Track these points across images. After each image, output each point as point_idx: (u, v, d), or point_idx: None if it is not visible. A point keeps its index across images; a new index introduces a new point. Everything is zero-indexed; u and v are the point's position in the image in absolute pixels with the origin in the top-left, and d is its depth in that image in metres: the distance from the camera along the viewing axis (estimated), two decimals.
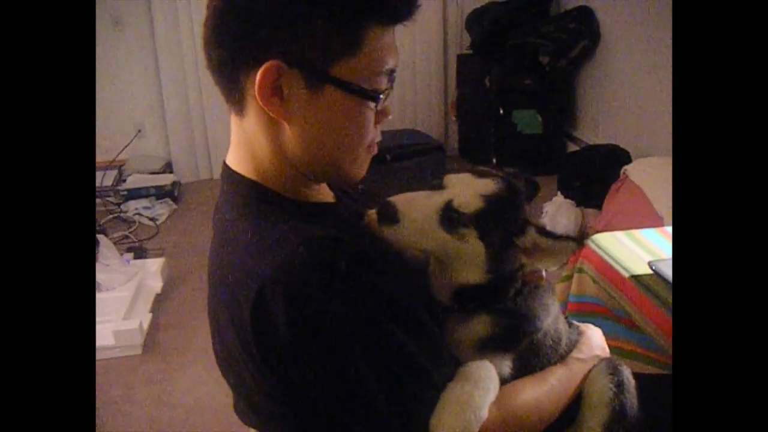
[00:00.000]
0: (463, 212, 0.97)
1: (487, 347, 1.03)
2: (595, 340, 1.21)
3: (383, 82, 0.95)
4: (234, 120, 1.01)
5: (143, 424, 2.56)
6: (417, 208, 0.98)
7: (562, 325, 1.16)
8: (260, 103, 0.92)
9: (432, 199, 0.99)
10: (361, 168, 1.02)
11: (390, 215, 0.96)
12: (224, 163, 1.06)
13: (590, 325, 1.25)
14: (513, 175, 1.08)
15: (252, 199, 1.00)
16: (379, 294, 0.91)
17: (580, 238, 0.99)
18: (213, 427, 2.52)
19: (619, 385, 1.12)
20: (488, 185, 1.00)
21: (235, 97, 0.96)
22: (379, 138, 1.03)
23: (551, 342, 1.11)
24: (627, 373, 1.15)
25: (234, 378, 1.06)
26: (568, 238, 1.01)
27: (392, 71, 0.96)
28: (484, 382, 0.95)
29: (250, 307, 0.89)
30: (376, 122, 1.00)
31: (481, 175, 1.03)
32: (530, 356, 1.08)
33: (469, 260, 1.00)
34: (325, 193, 1.10)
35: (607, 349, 1.22)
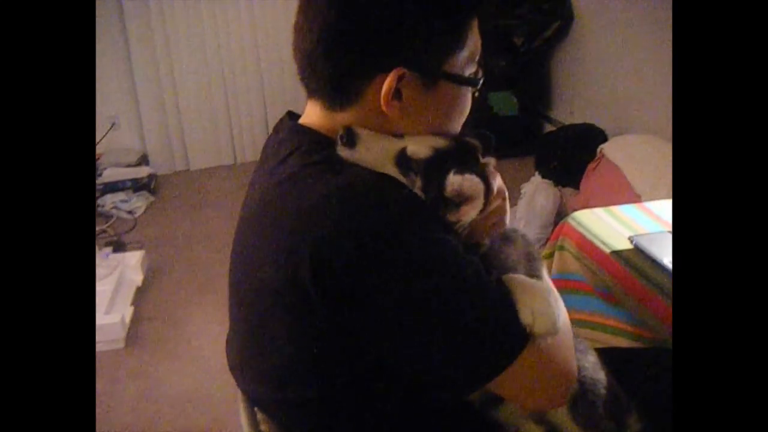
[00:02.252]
0: (413, 158, 0.99)
1: None
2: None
3: (476, 67, 1.03)
4: (319, 108, 1.04)
5: (128, 417, 2.55)
6: (376, 142, 1.00)
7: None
8: (383, 107, 0.97)
9: (391, 141, 1.01)
10: None
11: (349, 137, 0.98)
12: (288, 119, 1.09)
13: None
14: (474, 133, 1.10)
15: (320, 144, 1.01)
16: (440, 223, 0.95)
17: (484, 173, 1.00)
18: (199, 418, 2.51)
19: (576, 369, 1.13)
20: (441, 141, 1.02)
21: (343, 100, 1.01)
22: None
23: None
24: (582, 352, 1.14)
25: (258, 351, 1.04)
26: (478, 172, 0.99)
27: (480, 57, 1.04)
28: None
29: (311, 226, 0.89)
30: None
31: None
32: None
33: None
34: None
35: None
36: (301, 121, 1.08)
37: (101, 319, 2.94)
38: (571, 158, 3.81)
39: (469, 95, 1.05)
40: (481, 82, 1.04)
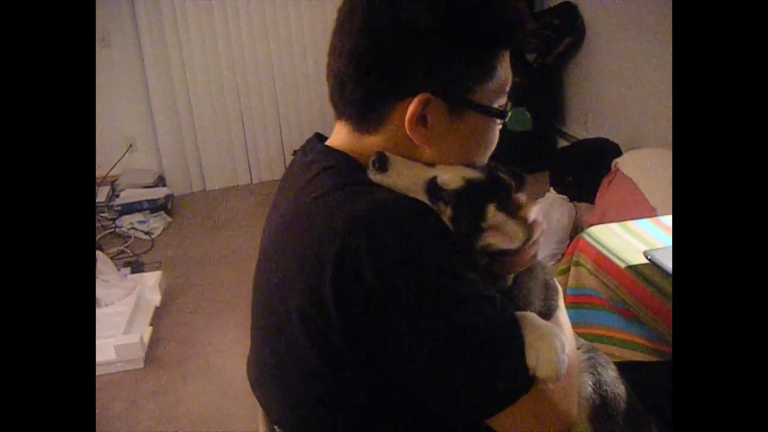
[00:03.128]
0: (444, 188, 0.99)
1: None
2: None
3: (504, 99, 1.05)
4: (346, 130, 1.06)
5: None
6: (407, 167, 1.01)
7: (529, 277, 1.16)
8: (407, 131, 0.98)
9: (422, 169, 1.02)
10: None
11: (381, 162, 0.99)
12: (317, 141, 1.10)
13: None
14: (505, 169, 1.10)
15: (349, 168, 1.03)
16: (463, 254, 0.94)
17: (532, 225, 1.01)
18: None
19: (597, 381, 1.14)
20: (473, 173, 1.02)
21: (371, 122, 1.02)
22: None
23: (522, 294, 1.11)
24: (605, 368, 1.16)
25: (267, 352, 1.06)
26: (523, 220, 1.00)
27: (509, 91, 1.05)
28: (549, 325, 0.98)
29: (335, 249, 0.89)
30: None
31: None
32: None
33: None
34: None
35: (571, 341, 1.19)
36: (329, 143, 1.09)
37: (120, 339, 2.97)
38: (586, 173, 3.80)
39: (497, 127, 1.06)
40: (508, 114, 1.05)
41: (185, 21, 4.67)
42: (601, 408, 1.10)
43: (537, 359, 0.92)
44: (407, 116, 0.97)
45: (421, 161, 1.02)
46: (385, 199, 0.94)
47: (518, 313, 0.97)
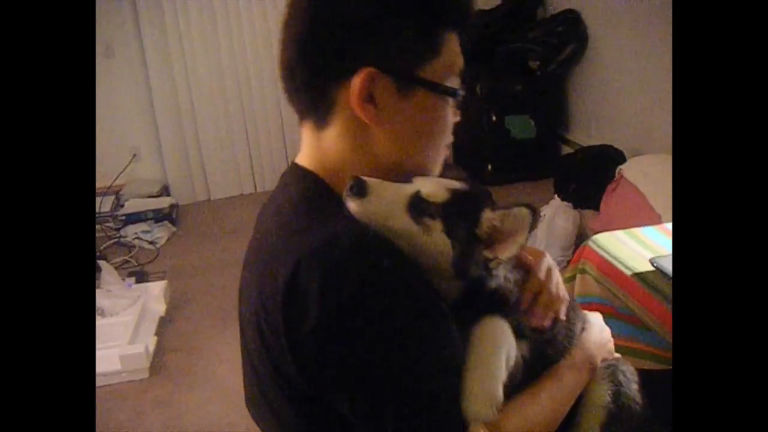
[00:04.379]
0: (430, 201, 0.97)
1: None
2: (592, 337, 1.18)
3: (457, 81, 1.02)
4: (309, 131, 1.05)
5: None
6: (386, 189, 0.97)
7: (573, 313, 1.16)
8: (356, 110, 0.97)
9: (402, 187, 0.99)
10: (438, 167, 1.07)
11: (359, 188, 0.95)
12: (293, 162, 1.10)
13: (590, 315, 1.24)
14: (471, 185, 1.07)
15: (313, 192, 1.03)
16: (413, 294, 0.92)
17: (532, 205, 0.97)
18: None
19: (617, 392, 1.13)
20: (455, 183, 1.01)
21: (322, 110, 1.01)
22: (452, 140, 1.08)
23: (566, 332, 1.11)
24: (627, 377, 1.16)
25: (252, 372, 1.07)
26: (519, 204, 0.97)
27: (462, 72, 1.03)
28: (496, 342, 0.97)
29: (285, 281, 0.90)
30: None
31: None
32: (546, 346, 1.08)
33: (435, 257, 0.97)
34: None
35: (606, 339, 1.21)
36: (299, 158, 1.08)
37: (125, 349, 2.97)
38: (590, 180, 3.80)
39: (450, 111, 1.03)
40: (461, 94, 1.02)
41: (189, 31, 4.69)
42: (615, 419, 1.10)
43: (469, 397, 0.91)
44: (353, 92, 0.95)
45: (376, 151, 1.01)
46: (337, 234, 0.91)
47: (476, 334, 0.97)
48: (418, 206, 0.96)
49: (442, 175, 1.07)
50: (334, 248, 0.89)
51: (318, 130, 1.03)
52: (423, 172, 1.03)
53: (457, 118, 1.06)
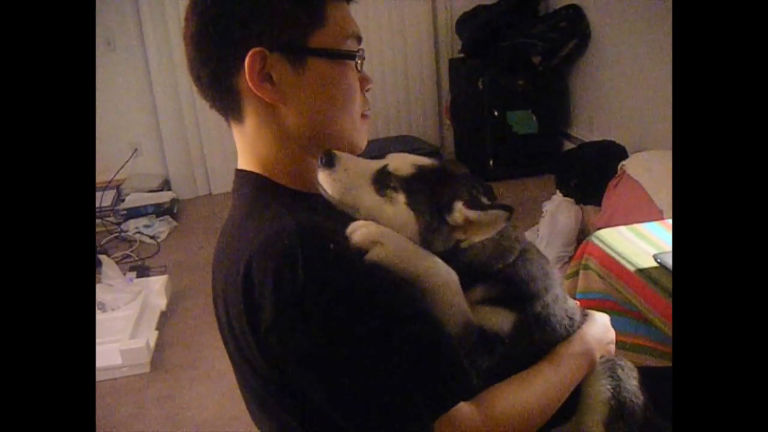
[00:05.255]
0: (395, 175, 1.01)
1: (486, 303, 1.04)
2: (593, 331, 1.17)
3: (354, 45, 1.05)
4: (236, 131, 1.09)
5: None
6: (355, 163, 1.03)
7: (571, 305, 1.15)
8: (254, 91, 1.00)
9: (371, 163, 1.04)
10: (361, 136, 1.10)
11: (328, 159, 1.01)
12: (235, 169, 1.13)
13: (597, 313, 1.23)
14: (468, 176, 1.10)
15: (255, 189, 1.07)
16: (365, 280, 0.92)
17: (509, 206, 0.98)
18: None
19: (617, 386, 1.13)
20: (424, 160, 1.05)
21: (233, 104, 1.04)
22: (369, 108, 1.12)
23: (557, 319, 1.09)
24: (627, 374, 1.15)
25: (236, 371, 1.09)
26: (496, 206, 0.99)
27: (359, 37, 1.06)
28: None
29: (240, 280, 0.92)
30: (362, 89, 1.09)
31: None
32: (534, 329, 1.06)
33: (398, 229, 0.99)
34: None
35: (608, 339, 1.20)
36: (238, 164, 1.12)
37: (126, 344, 2.96)
38: (592, 175, 3.79)
39: (351, 74, 1.05)
40: (355, 55, 1.04)
41: None
42: (617, 415, 1.10)
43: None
44: (247, 74, 0.99)
45: (288, 131, 1.04)
46: (282, 227, 0.93)
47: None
48: (382, 179, 1.01)
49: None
50: (280, 241, 0.91)
51: (240, 125, 1.07)
52: (339, 142, 1.06)
53: (369, 85, 1.10)
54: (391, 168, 1.01)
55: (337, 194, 1.01)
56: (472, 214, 0.98)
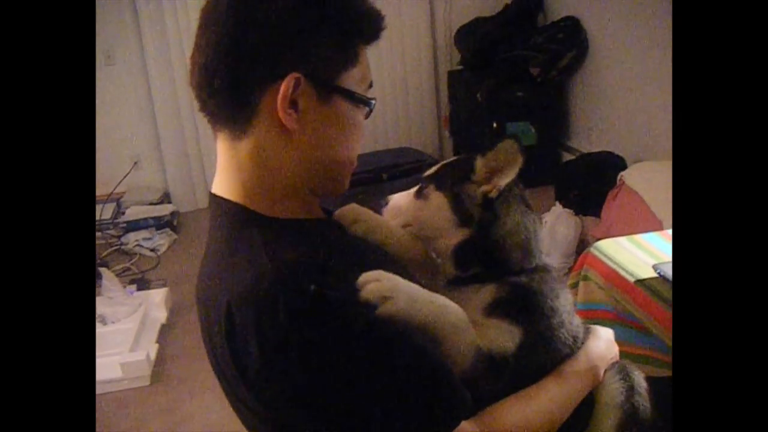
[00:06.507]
0: (423, 177, 1.14)
1: (494, 312, 1.05)
2: (597, 347, 1.17)
3: (367, 91, 1.07)
4: (226, 144, 1.07)
5: None
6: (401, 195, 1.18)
7: (577, 322, 1.16)
8: (280, 115, 0.97)
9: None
10: (347, 182, 1.11)
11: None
12: (210, 193, 1.11)
13: (601, 329, 1.23)
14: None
15: (234, 222, 1.04)
16: (350, 316, 0.91)
17: (512, 135, 1.07)
18: None
19: (630, 389, 1.13)
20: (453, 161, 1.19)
21: (243, 117, 1.01)
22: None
23: (563, 336, 1.10)
24: (638, 377, 1.16)
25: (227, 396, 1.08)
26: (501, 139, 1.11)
27: (371, 84, 1.08)
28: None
29: (223, 328, 0.92)
30: None
31: None
32: (540, 343, 1.07)
33: (438, 216, 1.12)
34: (315, 211, 1.13)
35: (612, 354, 1.20)
36: (214, 185, 1.10)
37: (126, 356, 2.96)
38: (592, 187, 3.80)
39: (362, 119, 1.07)
40: (373, 103, 1.06)
41: (190, 38, 4.66)
42: (631, 419, 1.10)
43: None
44: (280, 97, 0.96)
45: (293, 156, 1.02)
46: (261, 271, 0.91)
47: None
48: (419, 189, 1.16)
49: None
50: (259, 286, 0.89)
51: (235, 140, 1.04)
52: (333, 184, 1.09)
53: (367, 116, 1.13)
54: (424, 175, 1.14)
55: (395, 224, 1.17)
56: (487, 156, 1.11)
